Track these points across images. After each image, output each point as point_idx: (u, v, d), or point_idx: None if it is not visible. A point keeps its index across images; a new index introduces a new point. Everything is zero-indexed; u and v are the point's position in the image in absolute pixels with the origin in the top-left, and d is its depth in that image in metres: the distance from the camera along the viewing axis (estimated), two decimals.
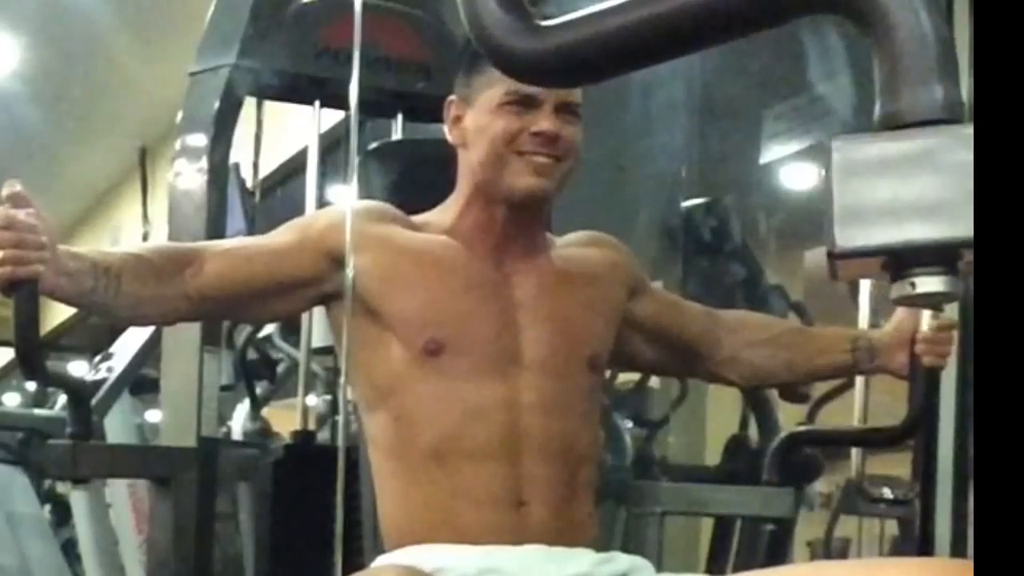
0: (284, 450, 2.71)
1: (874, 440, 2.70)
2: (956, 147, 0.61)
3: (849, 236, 0.63)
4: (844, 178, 0.63)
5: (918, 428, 2.37)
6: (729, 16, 0.67)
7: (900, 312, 2.02)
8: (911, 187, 0.62)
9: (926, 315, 1.97)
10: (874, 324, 2.45)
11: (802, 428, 3.24)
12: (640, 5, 0.68)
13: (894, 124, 0.62)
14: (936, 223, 0.61)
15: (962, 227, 0.61)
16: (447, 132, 1.89)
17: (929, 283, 0.64)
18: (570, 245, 1.95)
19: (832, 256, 0.64)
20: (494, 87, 1.81)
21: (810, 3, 0.66)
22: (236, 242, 1.95)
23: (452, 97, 1.88)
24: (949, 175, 0.61)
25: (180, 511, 2.52)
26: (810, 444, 3.12)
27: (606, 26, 0.69)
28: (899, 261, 0.63)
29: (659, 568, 1.81)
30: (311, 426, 2.94)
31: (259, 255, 1.83)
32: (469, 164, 1.85)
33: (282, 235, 1.85)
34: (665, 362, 2.08)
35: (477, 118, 1.83)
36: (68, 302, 1.73)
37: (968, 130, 0.62)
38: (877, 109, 0.64)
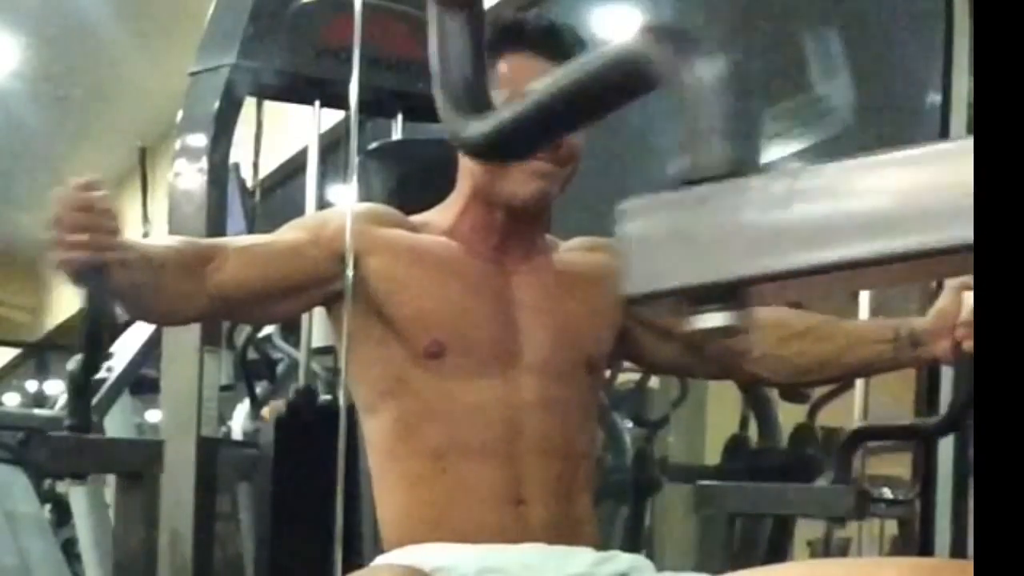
0: (286, 408, 2.68)
1: (927, 430, 2.66)
2: (738, 197, 0.70)
3: (638, 283, 0.73)
4: (637, 233, 0.74)
5: (966, 416, 2.35)
6: (593, 100, 0.82)
7: (943, 299, 1.94)
8: (696, 236, 0.71)
9: (968, 298, 1.91)
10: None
11: (865, 424, 3.14)
12: (551, 87, 0.82)
13: (685, 180, 0.73)
14: (717, 265, 0.70)
15: (741, 268, 0.69)
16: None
17: (712, 319, 0.72)
18: (572, 249, 1.94)
19: (628, 301, 0.74)
20: (498, 90, 1.80)
21: (631, 86, 0.79)
22: (251, 240, 1.90)
23: None
24: (730, 223, 0.69)
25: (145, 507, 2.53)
26: (873, 439, 3.06)
27: (527, 108, 0.84)
28: (687, 301, 0.72)
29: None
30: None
31: (276, 255, 1.80)
32: (469, 166, 1.85)
33: (294, 234, 1.82)
34: (697, 365, 2.02)
35: None
36: (118, 295, 1.67)
37: (751, 181, 0.70)
38: (670, 167, 0.75)
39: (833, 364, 1.97)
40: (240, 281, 1.76)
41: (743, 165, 0.72)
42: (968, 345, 1.90)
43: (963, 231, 0.61)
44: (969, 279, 1.41)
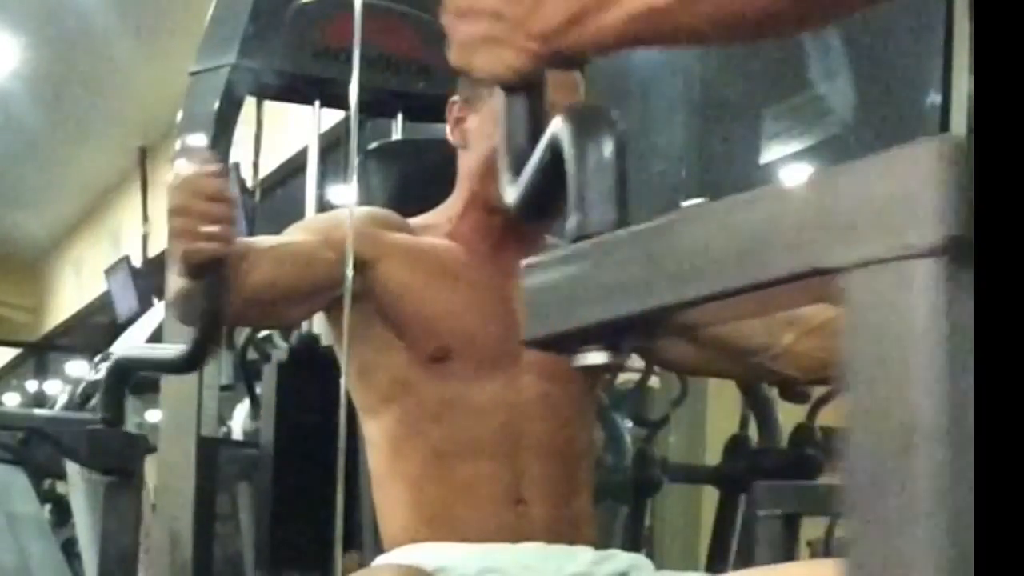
0: (288, 353, 2.67)
1: None
2: (617, 250, 0.78)
3: (534, 328, 0.83)
4: (534, 284, 0.83)
5: None
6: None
7: None
8: (585, 284, 0.80)
9: None
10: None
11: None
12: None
13: (578, 236, 0.84)
14: (599, 309, 0.78)
15: (620, 309, 0.76)
16: (448, 132, 1.89)
17: (592, 357, 0.82)
18: None
19: (525, 343, 0.84)
20: (498, 95, 1.80)
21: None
22: (274, 242, 1.83)
23: (455, 98, 1.87)
24: (616, 274, 0.77)
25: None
26: None
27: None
28: (573, 341, 0.83)
29: None
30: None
31: (298, 257, 1.77)
32: (469, 167, 1.85)
33: (308, 236, 1.80)
34: (714, 363, 1.96)
35: (480, 124, 1.82)
36: (206, 294, 1.62)
37: (628, 234, 0.79)
38: (566, 225, 0.86)
39: None
40: (271, 282, 1.72)
41: (623, 223, 0.84)
42: None
43: (810, 260, 0.65)
44: None
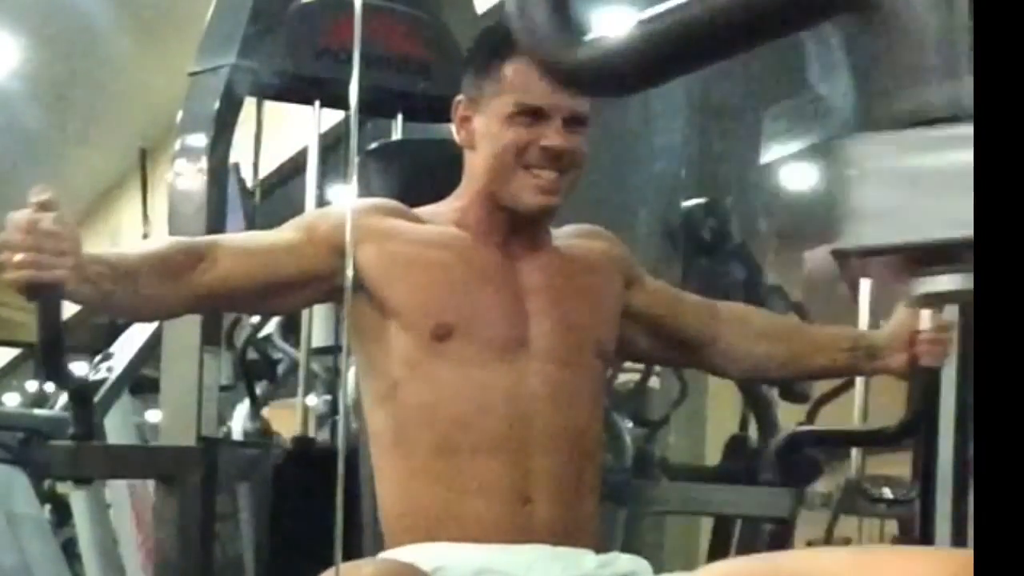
0: (284, 455, 2.71)
1: (874, 439, 2.69)
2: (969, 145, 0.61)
3: (863, 236, 0.63)
4: (860, 176, 0.63)
5: (917, 428, 2.36)
6: (761, 19, 0.69)
7: (899, 313, 2.01)
8: (929, 185, 0.62)
9: (925, 315, 1.97)
10: (874, 325, 2.45)
11: (804, 428, 3.23)
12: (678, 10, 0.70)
13: (915, 120, 0.62)
14: (954, 222, 0.61)
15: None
16: (454, 131, 1.89)
17: (942, 282, 0.64)
18: (568, 237, 1.96)
19: (845, 254, 0.64)
20: (503, 96, 1.81)
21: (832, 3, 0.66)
22: (244, 238, 1.95)
23: (460, 97, 1.88)
24: (967, 174, 0.61)
25: (183, 511, 2.53)
26: (812, 445, 3.11)
27: (643, 34, 0.73)
28: (917, 259, 0.63)
29: None
30: (311, 430, 2.94)
31: (268, 251, 1.83)
32: (476, 167, 1.86)
33: (289, 232, 1.85)
34: (660, 351, 2.07)
35: (486, 125, 1.83)
36: (90, 305, 1.81)
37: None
38: (887, 105, 0.64)
39: (790, 366, 2.07)
40: (227, 279, 1.79)
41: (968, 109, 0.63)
42: (927, 360, 1.96)
43: None
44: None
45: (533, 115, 1.80)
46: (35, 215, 1.62)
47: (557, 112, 1.80)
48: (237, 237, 1.93)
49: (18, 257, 1.61)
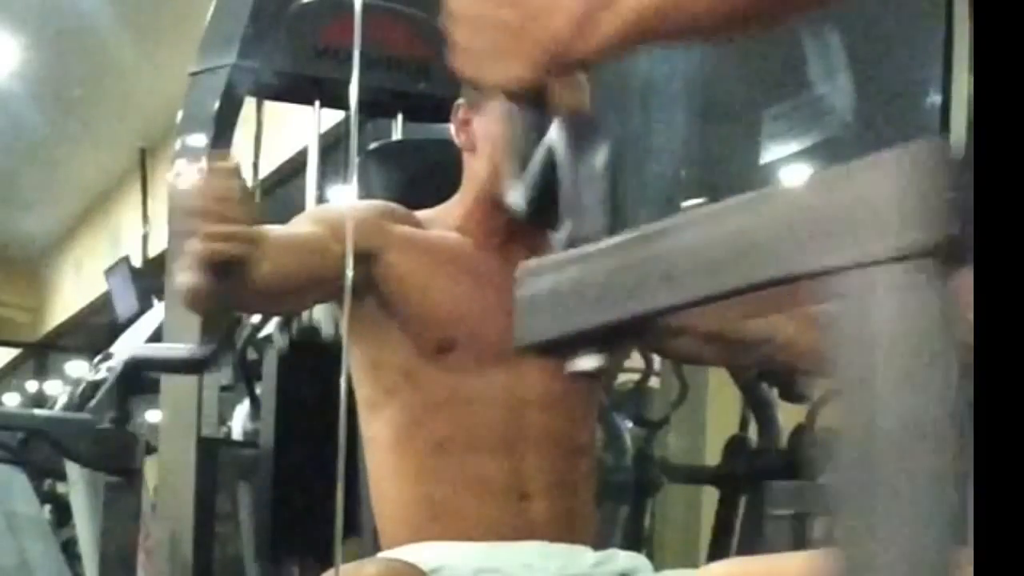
0: (289, 345, 2.67)
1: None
2: (613, 255, 0.79)
3: (527, 334, 0.88)
4: (527, 290, 0.88)
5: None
6: None
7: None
8: (577, 290, 0.81)
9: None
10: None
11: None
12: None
13: (569, 243, 0.88)
14: (594, 313, 0.79)
15: (613, 314, 0.78)
16: (454, 135, 1.89)
17: (584, 362, 0.83)
18: None
19: (516, 350, 0.89)
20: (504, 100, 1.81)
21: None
22: (281, 231, 1.81)
23: (460, 100, 1.88)
24: (608, 279, 0.78)
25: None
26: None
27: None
28: (566, 347, 0.85)
29: None
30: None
31: (305, 247, 1.76)
32: (476, 169, 1.86)
33: (315, 228, 1.78)
34: (720, 354, 2.04)
35: (487, 124, 1.83)
36: (224, 294, 1.62)
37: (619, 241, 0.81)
38: (558, 233, 0.91)
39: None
40: (281, 273, 1.71)
41: (614, 230, 0.84)
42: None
43: (798, 263, 0.66)
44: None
45: None
46: (228, 183, 1.50)
47: (558, 111, 1.79)
48: (274, 231, 1.79)
49: (222, 228, 1.48)
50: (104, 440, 2.60)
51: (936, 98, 3.24)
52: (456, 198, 1.89)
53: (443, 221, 1.87)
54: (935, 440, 0.61)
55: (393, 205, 1.89)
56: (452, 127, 1.89)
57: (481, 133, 1.84)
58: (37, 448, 3.70)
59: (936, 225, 0.60)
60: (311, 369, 2.49)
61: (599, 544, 1.82)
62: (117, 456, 2.61)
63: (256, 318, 3.45)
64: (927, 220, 0.61)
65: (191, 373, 2.48)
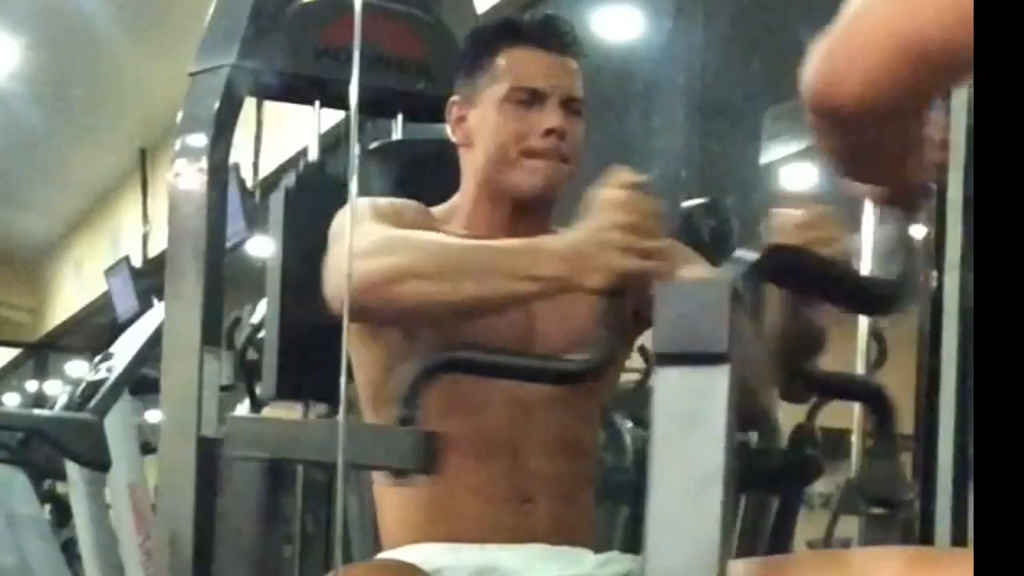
0: (295, 178, 2.67)
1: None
2: None
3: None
4: None
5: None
6: None
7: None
8: None
9: None
10: (874, 325, 2.45)
11: None
12: None
13: None
14: None
15: None
16: (450, 133, 1.89)
17: None
18: None
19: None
20: (499, 83, 1.81)
21: None
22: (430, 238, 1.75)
23: (455, 98, 1.88)
24: None
25: None
26: None
27: None
28: None
29: None
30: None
31: None
32: (474, 164, 1.86)
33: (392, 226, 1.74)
34: None
35: (483, 115, 1.83)
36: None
37: None
38: None
39: None
40: None
41: None
42: None
43: None
44: None
45: (530, 98, 1.80)
46: (653, 202, 1.52)
47: (554, 93, 1.80)
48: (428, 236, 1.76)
49: (649, 244, 1.50)
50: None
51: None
52: (457, 197, 1.89)
53: (453, 220, 1.87)
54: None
55: (415, 203, 1.88)
56: (448, 125, 1.89)
57: (477, 125, 1.84)
58: (37, 448, 3.71)
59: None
60: (317, 206, 2.50)
61: (600, 546, 1.82)
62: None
63: (256, 318, 3.45)
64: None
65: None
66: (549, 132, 1.78)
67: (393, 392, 1.65)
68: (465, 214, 1.87)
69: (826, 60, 0.93)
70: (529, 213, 1.84)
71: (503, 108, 1.81)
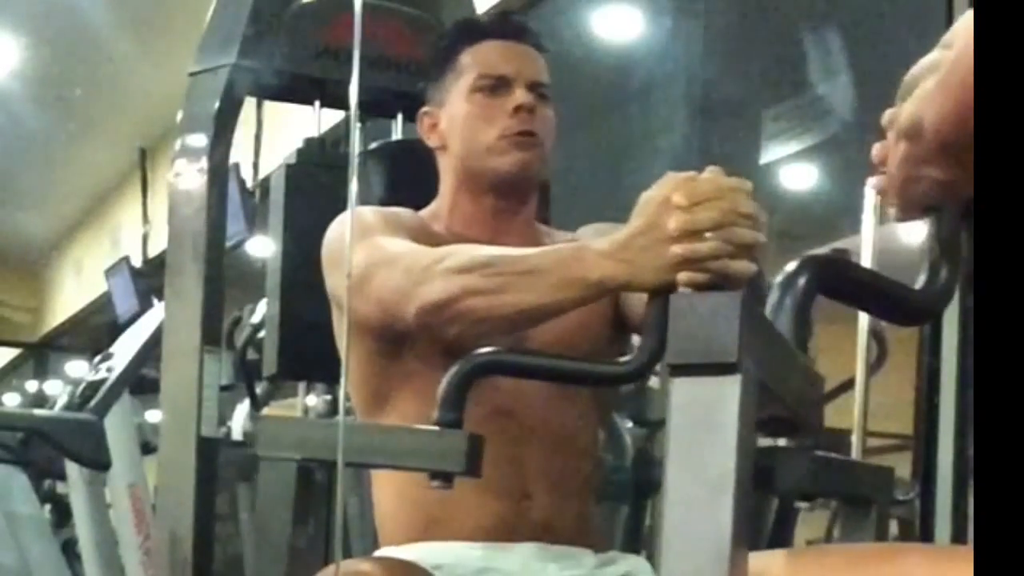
0: (296, 155, 2.68)
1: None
2: None
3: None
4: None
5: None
6: None
7: None
8: None
9: None
10: (874, 325, 2.45)
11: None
12: None
13: None
14: None
15: None
16: (425, 140, 1.92)
17: None
18: (577, 239, 1.94)
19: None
20: (464, 76, 1.85)
21: None
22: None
23: (424, 109, 1.91)
24: None
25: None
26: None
27: None
28: None
29: None
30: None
31: None
32: (451, 161, 1.88)
33: (402, 238, 1.77)
34: None
35: (453, 111, 1.86)
36: None
37: None
38: None
39: None
40: None
41: None
42: None
43: None
44: None
45: (496, 83, 1.83)
46: (751, 205, 1.44)
47: (519, 77, 1.84)
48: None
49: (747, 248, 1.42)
50: None
51: None
52: (436, 202, 1.91)
53: (433, 222, 1.88)
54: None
55: (407, 210, 1.90)
56: (422, 136, 1.92)
57: (448, 124, 1.87)
58: (37, 448, 3.71)
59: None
60: (317, 180, 2.51)
61: (600, 546, 1.82)
62: None
63: (256, 318, 3.45)
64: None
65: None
66: (518, 109, 1.81)
67: (438, 394, 1.64)
68: (446, 212, 1.88)
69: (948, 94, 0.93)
70: (510, 199, 1.85)
71: (472, 98, 1.84)
